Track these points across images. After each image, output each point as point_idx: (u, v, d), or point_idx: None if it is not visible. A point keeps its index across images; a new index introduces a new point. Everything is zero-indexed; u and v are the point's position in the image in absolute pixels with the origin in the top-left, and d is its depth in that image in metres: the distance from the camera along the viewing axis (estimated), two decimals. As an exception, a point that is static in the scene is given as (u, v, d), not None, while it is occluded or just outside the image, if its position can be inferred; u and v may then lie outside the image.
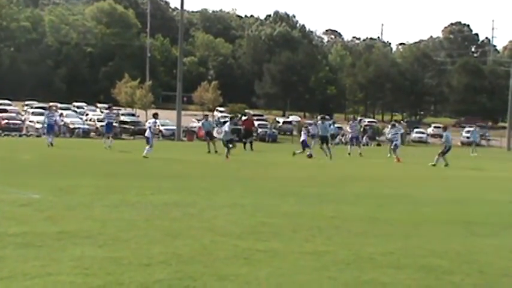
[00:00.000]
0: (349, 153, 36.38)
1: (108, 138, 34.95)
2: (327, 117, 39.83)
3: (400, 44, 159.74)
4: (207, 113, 29.51)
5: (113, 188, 14.78)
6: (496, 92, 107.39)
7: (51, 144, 33.07)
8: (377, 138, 68.17)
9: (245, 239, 9.07)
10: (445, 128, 33.90)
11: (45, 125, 35.61)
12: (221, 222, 10.54)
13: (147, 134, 28.76)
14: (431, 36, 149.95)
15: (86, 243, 8.30)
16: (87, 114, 64.59)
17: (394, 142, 34.56)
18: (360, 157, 35.19)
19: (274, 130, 67.37)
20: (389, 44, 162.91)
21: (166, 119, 60.39)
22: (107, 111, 38.15)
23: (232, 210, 12.00)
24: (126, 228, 9.50)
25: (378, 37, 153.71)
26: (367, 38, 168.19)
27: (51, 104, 43.61)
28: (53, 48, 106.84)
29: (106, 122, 36.53)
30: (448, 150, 30.32)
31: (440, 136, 37.34)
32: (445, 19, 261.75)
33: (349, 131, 39.80)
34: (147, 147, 27.55)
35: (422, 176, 23.87)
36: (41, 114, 57.34)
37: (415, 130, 78.64)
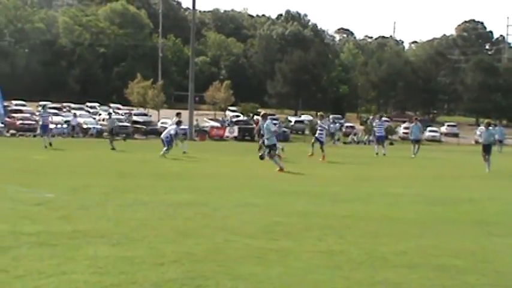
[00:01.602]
0: (376, 153, 35.38)
1: (43, 136, 33.12)
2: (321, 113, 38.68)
3: (413, 42, 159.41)
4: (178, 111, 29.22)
5: (126, 188, 14.80)
6: (511, 90, 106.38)
7: (50, 144, 31.93)
8: (390, 136, 67.92)
9: (258, 238, 9.04)
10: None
11: (40, 125, 34.44)
12: (234, 221, 10.52)
13: (167, 135, 28.16)
14: (444, 34, 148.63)
15: (99, 243, 8.33)
16: (100, 114, 64.82)
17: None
18: (376, 156, 34.44)
19: (286, 129, 67.25)
20: (402, 42, 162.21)
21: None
22: (42, 110, 36.10)
23: (245, 209, 11.97)
24: (140, 228, 9.51)
25: (391, 35, 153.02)
26: (379, 36, 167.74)
27: (43, 102, 43.10)
28: (67, 49, 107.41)
29: (41, 122, 34.33)
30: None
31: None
32: (458, 17, 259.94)
33: (375, 129, 38.27)
34: (165, 148, 27.35)
35: (436, 175, 23.65)
36: (55, 114, 57.88)
37: (429, 129, 78.30)
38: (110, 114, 38.91)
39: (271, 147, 22.17)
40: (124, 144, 40.84)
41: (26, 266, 6.97)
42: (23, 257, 7.43)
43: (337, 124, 66.27)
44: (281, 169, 21.19)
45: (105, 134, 35.12)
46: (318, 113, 33.39)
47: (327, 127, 34.79)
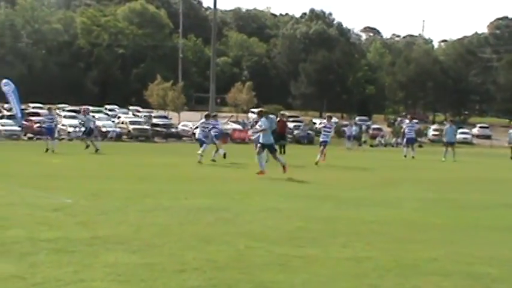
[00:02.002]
0: (405, 156, 35.05)
1: (50, 139, 32.12)
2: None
3: (443, 40, 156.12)
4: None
5: (146, 192, 14.66)
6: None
7: (51, 150, 30.70)
8: (419, 139, 67.39)
9: (281, 245, 8.87)
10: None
11: (45, 128, 33.52)
12: (256, 227, 10.35)
13: (203, 136, 27.44)
14: (476, 32, 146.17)
15: (119, 249, 8.24)
16: (119, 117, 64.85)
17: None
18: (405, 159, 34.12)
19: (310, 131, 67.03)
20: (431, 41, 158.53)
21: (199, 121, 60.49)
22: (47, 112, 35.39)
23: (267, 214, 11.79)
24: (160, 234, 9.40)
25: (419, 34, 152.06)
26: (407, 35, 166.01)
27: (49, 106, 42.80)
28: (85, 50, 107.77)
29: (46, 125, 33.24)
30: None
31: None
32: (490, 14, 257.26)
33: (406, 131, 37.37)
34: (201, 149, 26.50)
35: (468, 179, 23.25)
36: (73, 117, 58.02)
37: (459, 131, 77.41)
38: (86, 111, 37.22)
39: (269, 147, 20.87)
40: (144, 147, 40.78)
41: (44, 273, 6.90)
42: (40, 263, 7.35)
43: (359, 126, 65.74)
44: (262, 172, 20.07)
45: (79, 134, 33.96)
46: (326, 114, 32.52)
47: (334, 129, 33.88)
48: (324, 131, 29.13)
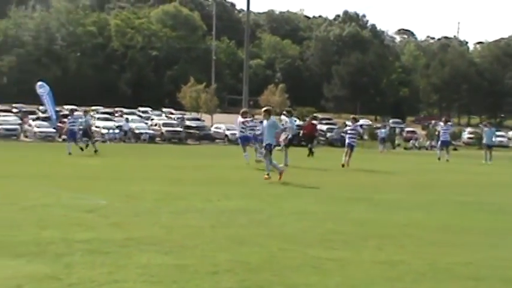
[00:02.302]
0: (438, 159, 34.49)
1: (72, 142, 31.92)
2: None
3: (478, 42, 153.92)
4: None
5: (179, 194, 14.70)
6: None
7: (69, 153, 30.25)
8: (453, 142, 66.50)
9: (314, 247, 8.83)
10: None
11: (68, 131, 33.41)
12: (289, 229, 10.32)
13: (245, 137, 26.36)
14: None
15: (152, 250, 8.27)
16: (152, 119, 65.08)
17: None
18: (439, 162, 33.57)
19: (343, 134, 66.47)
20: (466, 43, 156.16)
21: (232, 123, 60.57)
22: (69, 116, 34.66)
23: (300, 217, 11.75)
24: (192, 235, 9.41)
25: (454, 36, 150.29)
26: (442, 37, 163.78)
27: (72, 107, 42.51)
28: (119, 52, 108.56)
29: (69, 127, 32.75)
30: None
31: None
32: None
33: (441, 134, 36.27)
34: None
35: (504, 182, 22.88)
36: (107, 119, 58.38)
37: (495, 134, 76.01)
38: (85, 112, 37.30)
39: (267, 147, 19.51)
40: (177, 149, 40.91)
41: (79, 274, 6.96)
42: (75, 264, 7.41)
43: (391, 128, 65.24)
44: (280, 174, 18.86)
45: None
46: (351, 116, 31.28)
47: (360, 131, 32.68)
48: (349, 133, 27.97)
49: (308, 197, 15.24)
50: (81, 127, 33.43)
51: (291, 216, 11.80)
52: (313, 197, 15.12)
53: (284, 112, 30.13)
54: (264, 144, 19.97)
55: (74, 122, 32.80)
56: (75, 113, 37.22)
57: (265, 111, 20.41)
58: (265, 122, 20.15)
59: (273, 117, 20.31)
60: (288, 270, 7.42)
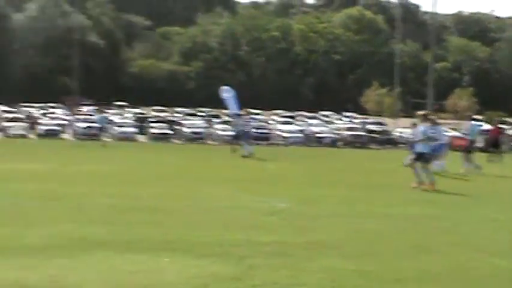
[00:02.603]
0: None
1: (240, 145, 31.00)
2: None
3: None
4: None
5: (359, 199, 14.51)
6: None
7: (244, 155, 29.54)
8: None
9: (505, 258, 8.31)
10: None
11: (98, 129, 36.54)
12: (477, 238, 9.86)
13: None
14: None
15: (332, 255, 8.22)
16: (333, 123, 65.13)
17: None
18: None
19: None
20: None
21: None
22: (239, 117, 33.56)
23: (487, 225, 11.21)
24: (373, 241, 9.27)
25: None
26: None
27: (98, 104, 43.68)
28: (302, 57, 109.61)
29: (236, 129, 32.19)
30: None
31: None
32: None
33: None
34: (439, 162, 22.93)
35: None
36: (288, 123, 59.11)
37: None
38: (100, 110, 39.50)
39: (418, 156, 17.92)
40: (359, 154, 40.58)
41: (261, 276, 7.05)
42: (257, 266, 7.52)
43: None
44: (419, 183, 17.24)
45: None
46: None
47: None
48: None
49: (494, 204, 14.53)
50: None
51: (478, 224, 11.37)
52: (499, 205, 14.37)
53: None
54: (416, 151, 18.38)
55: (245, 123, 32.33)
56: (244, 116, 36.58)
57: (424, 115, 19.76)
58: (421, 128, 18.76)
59: (425, 125, 18.81)
60: (477, 281, 7.09)
